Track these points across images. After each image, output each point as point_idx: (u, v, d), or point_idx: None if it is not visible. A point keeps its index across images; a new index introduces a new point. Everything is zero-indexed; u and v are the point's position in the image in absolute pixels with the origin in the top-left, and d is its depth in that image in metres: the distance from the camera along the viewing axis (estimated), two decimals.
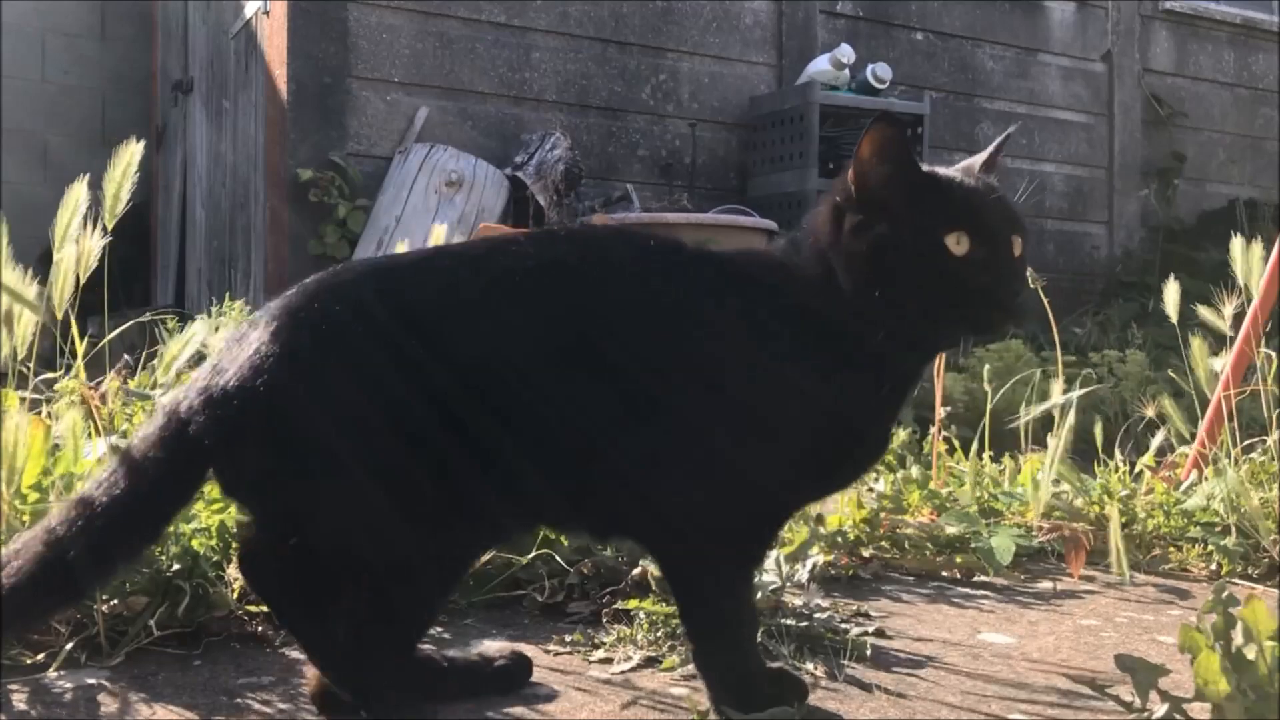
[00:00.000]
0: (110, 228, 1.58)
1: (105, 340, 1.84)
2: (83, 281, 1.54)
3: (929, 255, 1.13)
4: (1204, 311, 2.24)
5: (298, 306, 1.11)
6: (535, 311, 1.13)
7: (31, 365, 1.52)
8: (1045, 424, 2.18)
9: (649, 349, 1.14)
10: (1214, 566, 2.08)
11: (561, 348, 1.12)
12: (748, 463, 1.14)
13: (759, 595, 1.52)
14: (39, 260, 1.51)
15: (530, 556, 1.65)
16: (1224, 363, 2.35)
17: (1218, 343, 2.40)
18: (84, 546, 1.05)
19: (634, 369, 1.13)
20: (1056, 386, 2.25)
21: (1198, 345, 2.24)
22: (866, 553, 1.99)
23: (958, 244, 1.13)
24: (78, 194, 1.55)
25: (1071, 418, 1.94)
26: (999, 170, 1.30)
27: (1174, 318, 2.32)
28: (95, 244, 1.56)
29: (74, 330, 1.62)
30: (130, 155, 1.60)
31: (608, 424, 1.12)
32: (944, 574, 2.00)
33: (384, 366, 1.07)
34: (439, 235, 2.26)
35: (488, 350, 1.10)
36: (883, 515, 2.03)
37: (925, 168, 1.19)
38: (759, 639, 1.32)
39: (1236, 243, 2.25)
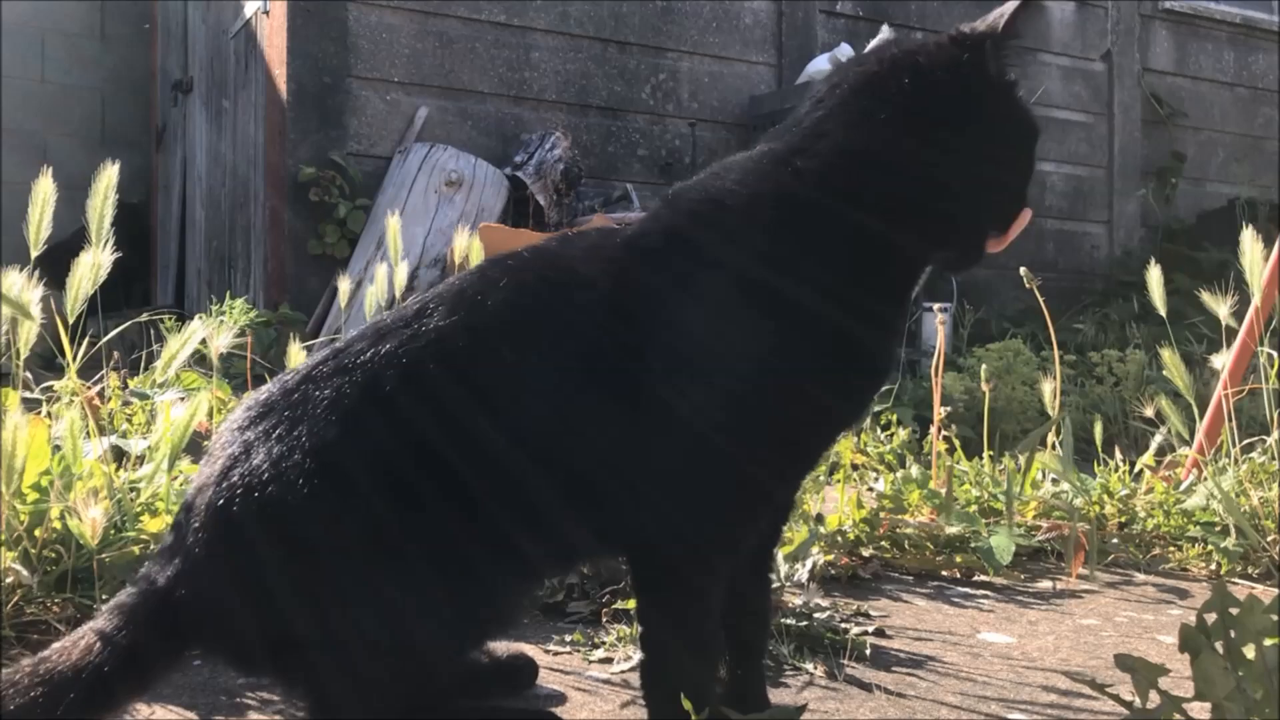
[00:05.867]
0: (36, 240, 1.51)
1: (104, 340, 1.84)
2: (91, 291, 1.52)
3: (1026, 140, 1.10)
4: (1207, 297, 2.22)
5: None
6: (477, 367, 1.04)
7: (21, 364, 1.52)
8: (1044, 422, 2.18)
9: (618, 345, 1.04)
10: (1214, 566, 2.08)
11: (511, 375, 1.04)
12: (732, 459, 1.03)
13: None
14: (37, 260, 1.50)
15: None
16: (1224, 362, 2.34)
17: (1215, 344, 2.40)
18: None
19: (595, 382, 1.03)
20: (1048, 386, 2.25)
21: (1168, 357, 2.22)
22: (866, 552, 1.99)
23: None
24: (45, 189, 1.51)
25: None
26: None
27: (1162, 310, 2.29)
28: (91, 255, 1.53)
29: (65, 338, 1.60)
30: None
31: (582, 452, 1.03)
32: (944, 573, 2.00)
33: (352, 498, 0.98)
34: (393, 226, 2.23)
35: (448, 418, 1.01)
36: (883, 515, 2.03)
37: None
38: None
39: (1246, 235, 2.18)
